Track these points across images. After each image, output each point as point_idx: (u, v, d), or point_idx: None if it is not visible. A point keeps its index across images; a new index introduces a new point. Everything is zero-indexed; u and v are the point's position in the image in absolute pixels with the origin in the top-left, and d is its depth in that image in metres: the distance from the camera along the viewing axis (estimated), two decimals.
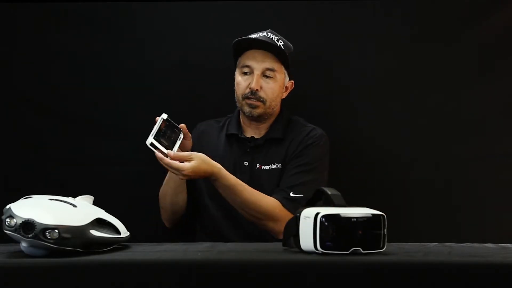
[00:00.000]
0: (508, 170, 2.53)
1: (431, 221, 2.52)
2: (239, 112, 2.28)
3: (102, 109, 2.56)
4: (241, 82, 2.19)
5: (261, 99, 2.17)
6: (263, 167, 2.21)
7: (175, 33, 2.57)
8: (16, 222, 1.40)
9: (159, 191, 2.30)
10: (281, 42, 2.20)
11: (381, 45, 2.55)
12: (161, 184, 2.28)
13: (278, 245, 1.60)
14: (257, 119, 2.22)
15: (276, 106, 2.23)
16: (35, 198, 1.53)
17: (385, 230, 1.44)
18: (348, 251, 1.41)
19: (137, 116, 2.55)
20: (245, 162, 2.23)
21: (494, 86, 2.54)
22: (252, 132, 2.26)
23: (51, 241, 1.40)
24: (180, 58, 2.54)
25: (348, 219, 1.41)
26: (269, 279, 1.35)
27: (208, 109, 2.50)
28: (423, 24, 2.56)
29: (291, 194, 2.12)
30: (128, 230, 1.59)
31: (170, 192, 2.22)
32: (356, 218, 1.41)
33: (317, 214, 1.41)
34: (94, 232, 1.47)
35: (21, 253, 1.45)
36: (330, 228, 1.41)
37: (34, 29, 2.55)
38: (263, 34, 2.19)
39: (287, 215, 1.99)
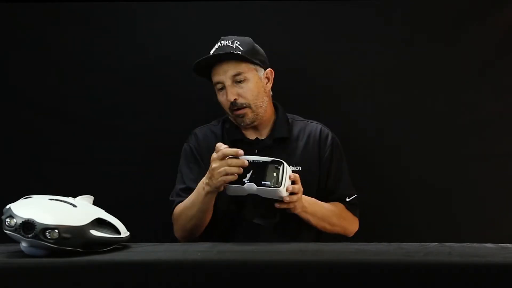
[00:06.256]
0: (508, 170, 2.53)
1: (431, 221, 2.52)
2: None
3: (102, 109, 2.56)
4: (221, 99, 2.14)
5: (244, 105, 2.10)
6: None
7: (175, 33, 2.57)
8: (16, 222, 1.40)
9: (158, 190, 2.28)
10: (237, 43, 2.12)
11: (381, 45, 2.55)
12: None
13: (278, 245, 1.60)
14: (252, 124, 2.15)
15: (263, 103, 2.14)
16: (35, 198, 1.53)
17: (281, 173, 1.75)
18: (243, 184, 1.76)
19: (137, 116, 2.55)
20: None
21: (494, 86, 2.54)
22: (254, 134, 2.18)
23: (51, 241, 1.40)
24: (180, 58, 2.54)
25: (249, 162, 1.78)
26: (269, 279, 1.35)
27: (208, 109, 2.49)
28: (423, 24, 2.56)
29: (347, 199, 2.16)
30: (128, 230, 1.59)
31: (198, 215, 2.02)
32: (253, 161, 1.78)
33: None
34: (94, 232, 1.47)
35: (21, 253, 1.45)
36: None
37: (34, 29, 2.55)
38: (218, 46, 2.13)
39: (353, 217, 2.17)
